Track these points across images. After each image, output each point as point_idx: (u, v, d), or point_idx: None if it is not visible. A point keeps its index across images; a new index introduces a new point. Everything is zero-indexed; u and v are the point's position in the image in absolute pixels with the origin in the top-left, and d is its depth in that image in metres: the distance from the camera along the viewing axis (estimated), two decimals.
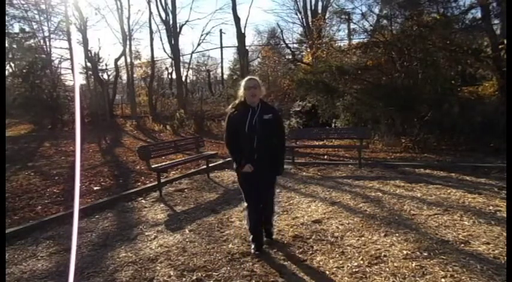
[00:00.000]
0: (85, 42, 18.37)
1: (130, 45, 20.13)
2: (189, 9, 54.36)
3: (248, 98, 2.99)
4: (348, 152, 8.45)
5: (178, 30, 20.16)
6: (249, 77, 3.16)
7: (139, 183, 6.11)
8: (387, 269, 2.65)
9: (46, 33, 20.84)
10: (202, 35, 27.67)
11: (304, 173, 6.47)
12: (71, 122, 16.16)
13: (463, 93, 8.71)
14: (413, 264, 2.69)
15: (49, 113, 16.13)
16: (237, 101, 3.11)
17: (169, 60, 23.29)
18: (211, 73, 32.21)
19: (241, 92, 3.06)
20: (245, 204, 3.19)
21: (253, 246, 3.09)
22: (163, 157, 6.52)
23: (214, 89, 29.20)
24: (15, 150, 10.26)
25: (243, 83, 3.06)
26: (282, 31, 22.39)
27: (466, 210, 3.88)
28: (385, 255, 2.88)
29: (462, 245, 3.03)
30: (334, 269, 2.72)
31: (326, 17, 18.40)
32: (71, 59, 21.21)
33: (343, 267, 2.74)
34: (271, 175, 3.16)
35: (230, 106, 3.14)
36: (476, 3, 8.60)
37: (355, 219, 3.80)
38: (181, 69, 22.13)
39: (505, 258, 2.69)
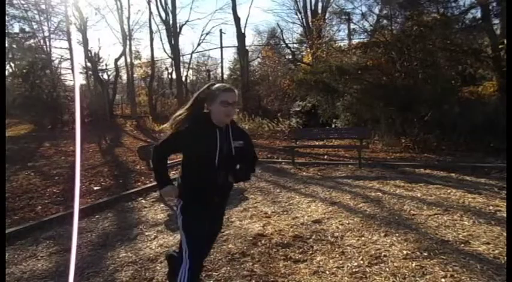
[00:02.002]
0: (85, 42, 18.39)
1: (130, 45, 20.18)
2: (189, 9, 54.20)
3: (220, 116, 2.04)
4: (348, 152, 8.45)
5: (178, 30, 20.17)
6: (226, 85, 2.14)
7: (139, 183, 6.11)
8: (387, 269, 2.65)
9: (46, 33, 20.89)
10: (202, 35, 27.62)
11: (304, 173, 6.47)
12: (71, 122, 16.15)
13: (463, 93, 8.72)
14: (413, 264, 2.69)
15: (49, 113, 16.14)
16: (195, 113, 2.09)
17: (169, 60, 23.31)
18: (211, 73, 32.15)
19: (211, 102, 2.05)
20: (187, 260, 2.00)
21: None
22: None
23: None
24: (15, 150, 10.25)
25: (218, 92, 2.05)
26: (282, 31, 22.37)
27: (466, 210, 3.88)
28: (385, 255, 2.88)
29: (462, 245, 3.03)
30: (334, 269, 2.72)
31: (326, 17, 18.41)
32: (71, 59, 21.25)
33: (343, 267, 2.74)
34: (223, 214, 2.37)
35: (181, 116, 2.08)
36: (476, 3, 8.61)
37: (355, 219, 3.79)
38: (181, 69, 22.14)
39: (505, 258, 2.69)
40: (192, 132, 2.03)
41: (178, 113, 2.10)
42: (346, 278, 2.58)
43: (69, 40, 20.72)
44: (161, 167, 2.15)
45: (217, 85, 2.13)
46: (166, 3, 19.69)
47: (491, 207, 3.96)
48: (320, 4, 19.88)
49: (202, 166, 2.04)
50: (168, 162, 6.58)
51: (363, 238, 3.26)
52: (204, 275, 2.73)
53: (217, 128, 2.06)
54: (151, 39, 20.51)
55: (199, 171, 2.05)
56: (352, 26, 13.35)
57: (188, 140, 2.02)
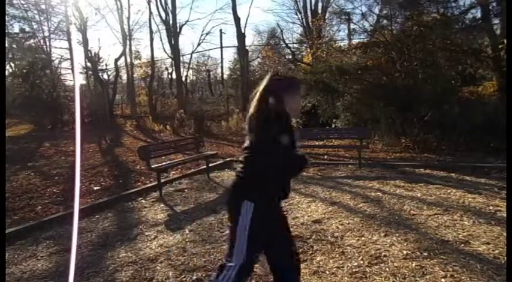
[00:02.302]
0: (85, 42, 18.39)
1: (130, 45, 20.15)
2: (189, 9, 54.41)
3: (298, 109, 2.04)
4: (348, 152, 8.45)
5: (178, 30, 20.17)
6: (294, 76, 2.18)
7: (139, 183, 6.11)
8: (387, 269, 2.65)
9: (46, 33, 20.94)
10: (202, 35, 27.70)
11: (304, 173, 6.47)
12: (71, 122, 16.14)
13: (463, 93, 8.71)
14: (413, 264, 2.69)
15: (49, 113, 16.13)
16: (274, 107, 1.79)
17: (169, 60, 23.31)
18: (211, 73, 32.22)
19: (292, 94, 1.90)
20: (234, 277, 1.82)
21: None
22: (163, 157, 6.51)
23: (214, 89, 29.23)
24: (15, 150, 10.25)
25: (298, 85, 2.00)
26: (282, 31, 22.34)
27: (466, 210, 3.88)
28: (385, 255, 2.88)
29: (462, 245, 3.03)
30: (334, 269, 2.72)
31: (326, 17, 18.40)
32: (71, 59, 21.31)
33: (343, 267, 2.74)
34: None
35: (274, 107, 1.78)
36: (476, 3, 8.61)
37: (355, 219, 3.80)
38: (181, 69, 22.14)
39: (505, 258, 2.69)
40: (283, 125, 1.76)
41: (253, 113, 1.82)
42: (346, 278, 2.58)
43: (69, 40, 20.77)
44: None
45: (285, 75, 2.04)
46: (166, 3, 19.69)
47: (491, 207, 3.96)
48: (320, 4, 19.89)
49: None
50: (168, 162, 6.56)
51: (363, 238, 3.26)
52: (204, 275, 2.73)
53: (291, 122, 1.87)
54: (151, 39, 20.50)
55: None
56: (352, 26, 13.38)
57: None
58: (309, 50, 17.69)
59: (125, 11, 21.03)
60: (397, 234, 3.29)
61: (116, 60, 20.60)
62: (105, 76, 24.45)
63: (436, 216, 3.76)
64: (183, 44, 55.79)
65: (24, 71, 17.27)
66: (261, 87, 1.86)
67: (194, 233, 3.66)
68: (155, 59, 22.16)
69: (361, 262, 2.79)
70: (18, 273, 3.00)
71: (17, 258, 3.32)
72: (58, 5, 20.50)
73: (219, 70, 30.07)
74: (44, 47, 21.25)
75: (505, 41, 7.10)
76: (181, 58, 22.38)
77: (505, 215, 3.66)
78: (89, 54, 19.45)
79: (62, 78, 22.58)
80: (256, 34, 37.53)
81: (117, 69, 21.68)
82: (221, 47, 24.65)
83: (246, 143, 1.85)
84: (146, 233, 3.74)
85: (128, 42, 19.66)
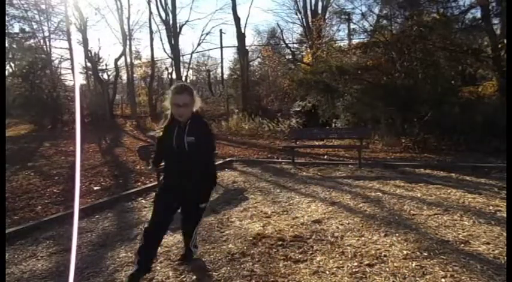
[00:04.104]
0: (85, 42, 18.42)
1: (130, 45, 20.16)
2: (189, 9, 53.96)
3: (175, 115, 2.56)
4: (348, 152, 8.44)
5: (178, 30, 20.16)
6: (179, 85, 2.63)
7: (139, 183, 6.11)
8: (387, 269, 2.65)
9: (46, 33, 20.95)
10: (202, 35, 27.60)
11: (304, 173, 6.47)
12: (71, 122, 16.17)
13: (463, 93, 8.71)
14: (413, 264, 2.69)
15: (49, 113, 16.17)
16: (168, 115, 2.61)
17: (169, 60, 23.29)
18: (211, 73, 32.17)
19: (168, 102, 2.57)
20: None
21: (135, 267, 2.54)
22: None
23: (214, 89, 29.20)
24: (15, 150, 10.26)
25: (170, 94, 2.56)
26: (282, 31, 22.44)
27: (466, 210, 3.88)
28: (385, 255, 2.88)
29: (462, 245, 3.03)
30: (334, 269, 2.72)
31: (326, 17, 18.41)
32: (71, 59, 21.30)
33: (343, 267, 2.73)
34: (194, 204, 2.72)
35: (160, 124, 2.70)
36: (476, 3, 8.61)
37: (355, 219, 3.79)
38: (181, 69, 22.12)
39: (505, 258, 2.69)
40: (164, 128, 2.62)
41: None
42: (346, 278, 2.57)
43: (69, 40, 20.75)
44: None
45: (173, 85, 2.63)
46: (166, 3, 19.70)
47: (491, 207, 3.96)
48: (320, 4, 19.89)
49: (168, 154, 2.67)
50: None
51: (363, 238, 3.25)
52: (204, 275, 2.73)
53: (178, 123, 2.53)
54: (151, 39, 20.51)
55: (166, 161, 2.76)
56: (352, 26, 13.39)
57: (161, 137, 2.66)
58: (309, 50, 17.70)
59: (125, 11, 20.99)
60: (397, 234, 3.29)
61: (116, 60, 20.62)
62: (105, 76, 24.46)
63: (436, 216, 3.76)
64: (183, 44, 55.66)
65: (24, 71, 17.28)
66: None
67: None
68: (155, 59, 22.19)
69: (361, 262, 2.78)
70: (18, 273, 3.00)
71: (17, 258, 3.32)
72: (58, 5, 20.55)
73: (219, 70, 30.05)
74: (44, 47, 21.27)
75: (505, 41, 7.11)
76: (181, 58, 22.39)
77: (505, 215, 3.65)
78: (89, 54, 19.48)
79: (62, 78, 22.64)
80: (256, 34, 37.48)
81: (117, 69, 21.67)
82: (221, 47, 24.66)
83: None
84: None
85: (128, 42, 19.68)
